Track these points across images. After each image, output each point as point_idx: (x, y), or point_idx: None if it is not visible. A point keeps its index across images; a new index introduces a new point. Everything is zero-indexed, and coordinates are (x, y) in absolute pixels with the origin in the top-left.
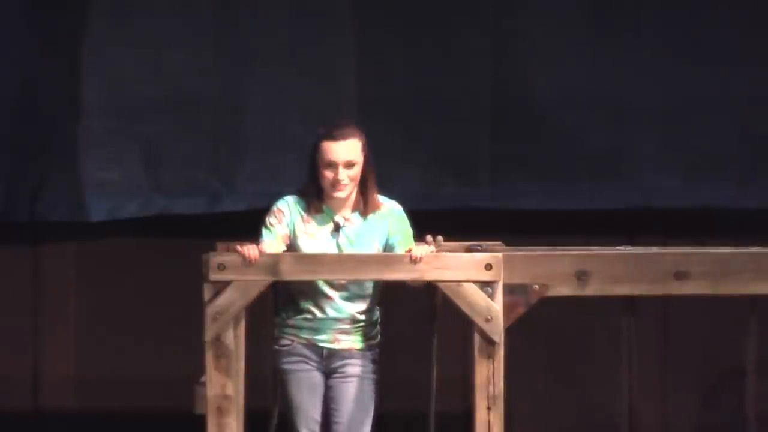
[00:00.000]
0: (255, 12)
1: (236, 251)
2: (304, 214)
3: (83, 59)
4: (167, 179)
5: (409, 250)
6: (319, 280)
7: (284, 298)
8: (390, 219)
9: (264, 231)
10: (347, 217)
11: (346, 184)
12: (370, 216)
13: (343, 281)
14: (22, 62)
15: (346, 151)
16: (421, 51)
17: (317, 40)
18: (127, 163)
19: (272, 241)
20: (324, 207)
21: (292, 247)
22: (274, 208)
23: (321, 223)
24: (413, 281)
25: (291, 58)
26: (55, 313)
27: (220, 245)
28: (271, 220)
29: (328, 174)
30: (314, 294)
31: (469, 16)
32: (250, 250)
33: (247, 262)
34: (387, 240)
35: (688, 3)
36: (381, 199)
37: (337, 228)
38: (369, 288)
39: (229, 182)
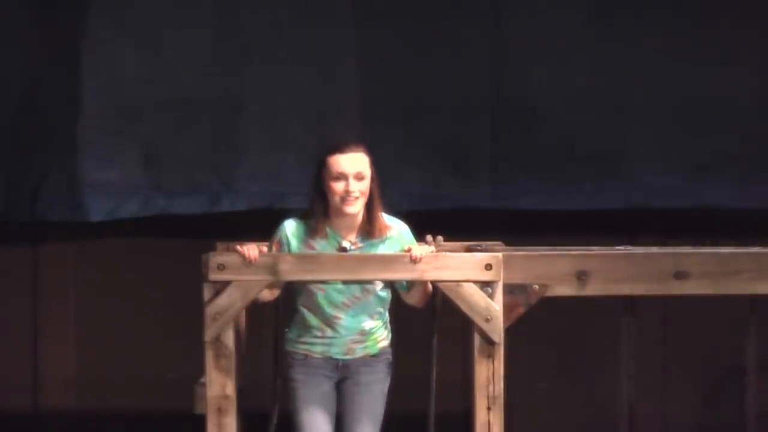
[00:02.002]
0: (255, 12)
1: (236, 251)
2: (309, 240)
3: (83, 59)
4: (167, 179)
5: (409, 250)
6: (323, 303)
7: (291, 318)
8: (402, 241)
9: None
10: (353, 241)
11: (357, 197)
12: (378, 239)
13: (346, 301)
14: (22, 62)
15: (356, 163)
16: (421, 51)
17: (317, 39)
18: (126, 163)
19: None
20: (329, 231)
21: None
22: (273, 239)
23: (326, 247)
24: (413, 300)
25: (291, 58)
26: (55, 313)
27: (220, 245)
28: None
29: (338, 187)
30: (322, 316)
31: (469, 16)
32: (249, 250)
33: (247, 262)
34: None
35: (688, 3)
36: (387, 219)
37: (343, 252)
38: (373, 304)
39: (229, 182)
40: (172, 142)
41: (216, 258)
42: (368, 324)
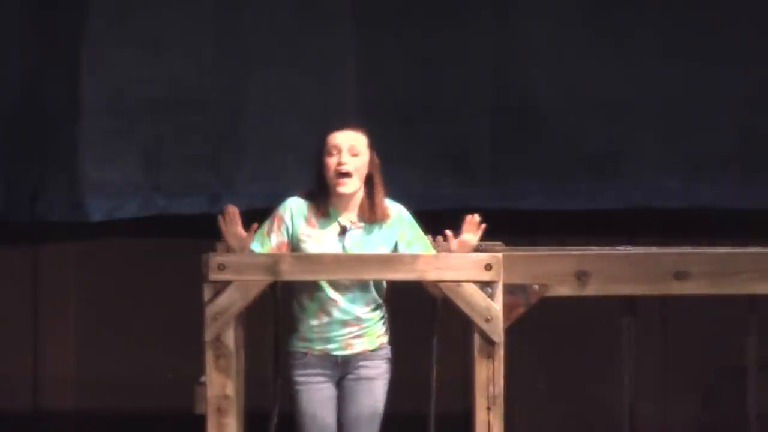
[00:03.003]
0: (255, 12)
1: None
2: (310, 217)
3: (83, 59)
4: (167, 179)
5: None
6: (323, 284)
7: (290, 312)
8: (400, 226)
9: (256, 237)
10: (353, 220)
11: (349, 171)
12: (378, 222)
13: (346, 283)
14: (22, 62)
15: (350, 138)
16: (421, 51)
17: (317, 40)
18: (127, 163)
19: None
20: (330, 210)
21: (295, 251)
22: (275, 213)
23: (326, 226)
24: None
25: (291, 58)
26: (55, 313)
27: (220, 245)
28: (266, 228)
29: (332, 161)
30: (319, 298)
31: (469, 16)
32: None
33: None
34: (397, 247)
35: (688, 3)
36: (388, 203)
37: (343, 231)
38: (373, 290)
39: (229, 182)
40: (172, 142)
41: (216, 258)
42: (363, 311)
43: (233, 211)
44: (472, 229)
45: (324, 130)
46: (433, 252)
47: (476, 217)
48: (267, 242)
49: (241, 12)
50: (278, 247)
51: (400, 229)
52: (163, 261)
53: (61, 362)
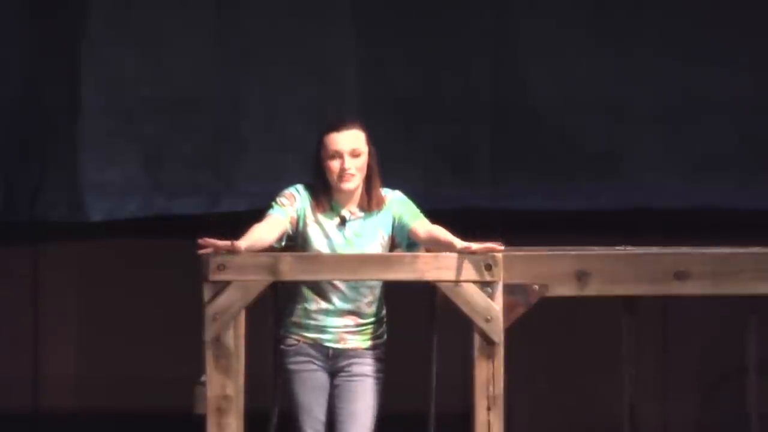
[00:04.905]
0: (255, 12)
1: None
2: (314, 207)
3: (83, 59)
4: (167, 179)
5: (468, 248)
6: None
7: (288, 296)
8: (393, 206)
9: (274, 205)
10: (353, 211)
11: (353, 174)
12: (376, 210)
13: None
14: (22, 62)
15: (350, 140)
16: (421, 51)
17: (317, 40)
18: (126, 163)
19: (279, 216)
20: (333, 204)
21: (300, 234)
22: (286, 191)
23: (328, 217)
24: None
25: (291, 58)
26: (55, 313)
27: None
28: (282, 199)
29: (334, 165)
30: (319, 287)
31: (469, 16)
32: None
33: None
34: (394, 223)
35: (688, 3)
36: (384, 192)
37: (343, 222)
38: (372, 284)
39: (229, 182)
40: (172, 142)
41: (216, 258)
42: (361, 305)
43: (206, 242)
44: (484, 249)
45: (323, 128)
46: (422, 217)
47: (500, 248)
48: (284, 210)
49: (241, 12)
50: (290, 219)
51: (393, 209)
52: (163, 261)
53: (61, 362)
